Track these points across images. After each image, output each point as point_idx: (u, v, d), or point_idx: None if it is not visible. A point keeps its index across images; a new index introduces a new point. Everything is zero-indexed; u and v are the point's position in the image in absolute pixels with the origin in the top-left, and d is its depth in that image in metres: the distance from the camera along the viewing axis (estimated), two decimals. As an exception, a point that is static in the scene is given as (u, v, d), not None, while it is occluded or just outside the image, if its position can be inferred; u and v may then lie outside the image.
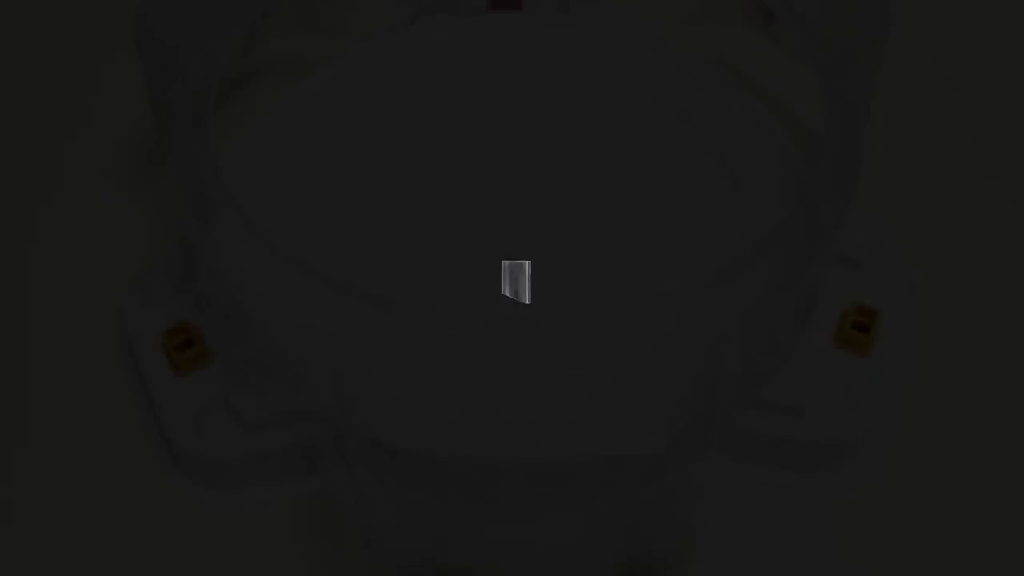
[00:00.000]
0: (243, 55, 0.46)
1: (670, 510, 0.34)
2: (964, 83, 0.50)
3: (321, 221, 0.42)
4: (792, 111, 0.47)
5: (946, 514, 0.39)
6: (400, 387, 0.35)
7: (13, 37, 0.52)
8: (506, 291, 0.40)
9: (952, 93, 0.50)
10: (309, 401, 0.37)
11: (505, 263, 0.41)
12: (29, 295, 0.44)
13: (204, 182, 0.38)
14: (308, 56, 0.47)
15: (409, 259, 0.41)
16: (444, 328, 0.34)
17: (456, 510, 0.33)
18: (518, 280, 0.40)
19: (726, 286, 0.38)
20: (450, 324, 0.34)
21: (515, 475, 0.33)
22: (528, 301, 0.40)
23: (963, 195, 0.46)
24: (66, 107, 0.50)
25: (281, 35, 0.47)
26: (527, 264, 0.41)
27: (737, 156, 0.43)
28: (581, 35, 0.48)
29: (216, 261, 0.37)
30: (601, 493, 0.33)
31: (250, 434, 0.38)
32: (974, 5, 0.53)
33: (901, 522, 0.38)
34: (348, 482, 0.38)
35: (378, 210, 0.42)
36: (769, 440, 0.38)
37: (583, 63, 0.47)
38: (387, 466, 0.33)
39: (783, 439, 0.38)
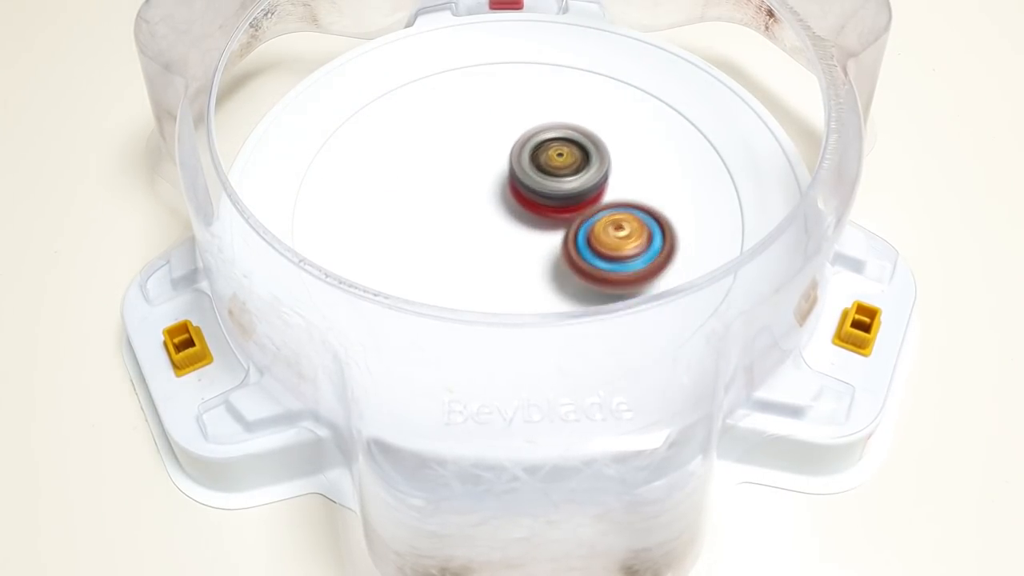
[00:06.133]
0: (243, 55, 0.46)
1: (672, 509, 0.34)
2: (964, 84, 0.50)
3: (322, 220, 0.42)
4: (792, 111, 0.47)
5: (946, 512, 0.39)
6: (401, 386, 0.35)
7: (14, 39, 0.52)
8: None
9: (952, 94, 0.50)
10: (309, 401, 0.37)
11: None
12: (31, 295, 0.44)
13: (205, 181, 0.38)
14: (308, 56, 0.47)
15: (411, 257, 0.41)
16: (446, 326, 0.34)
17: (457, 509, 0.33)
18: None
19: (727, 285, 0.38)
20: (452, 322, 0.34)
21: (517, 474, 0.33)
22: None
23: (963, 195, 0.46)
24: (68, 108, 0.50)
25: (281, 35, 0.47)
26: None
27: (737, 156, 0.43)
28: (580, 35, 0.48)
29: (218, 260, 0.37)
30: (603, 492, 0.33)
31: (250, 434, 0.38)
32: (974, 6, 0.53)
33: (902, 521, 0.38)
34: (349, 481, 0.38)
35: (380, 208, 0.42)
36: (769, 440, 0.38)
37: (583, 63, 0.47)
38: (388, 465, 0.33)
39: (783, 439, 0.38)
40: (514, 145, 0.41)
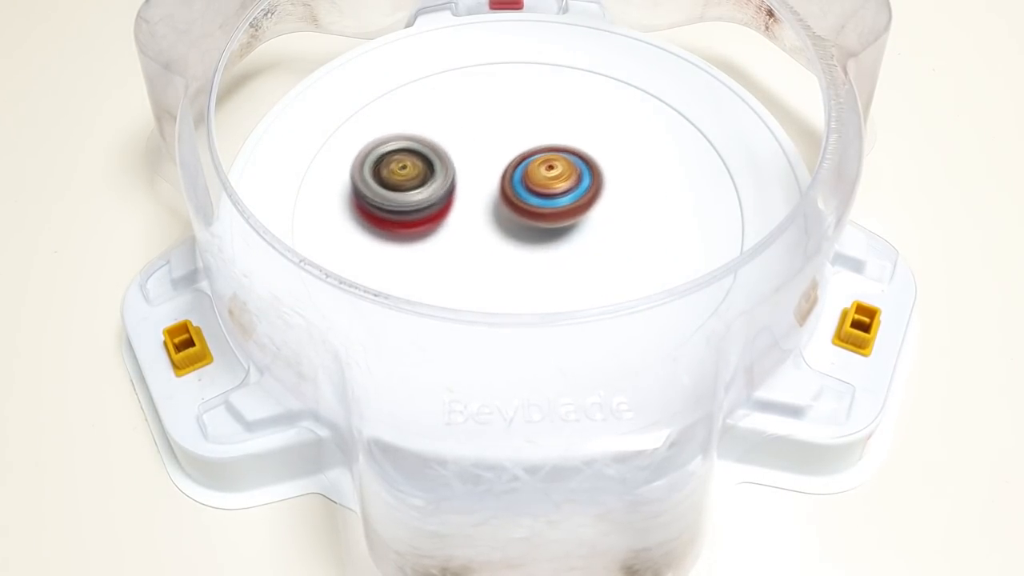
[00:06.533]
0: (243, 55, 0.46)
1: (672, 509, 0.34)
2: (964, 83, 0.50)
3: (322, 220, 0.42)
4: (792, 111, 0.47)
5: (947, 512, 0.39)
6: (401, 386, 0.35)
7: (14, 39, 0.52)
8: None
9: (952, 94, 0.50)
10: (310, 401, 0.37)
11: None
12: (31, 296, 0.44)
13: (205, 181, 0.38)
14: (308, 56, 0.47)
15: (411, 257, 0.41)
16: (446, 326, 0.34)
17: (457, 509, 0.33)
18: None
19: (727, 285, 0.38)
20: (452, 322, 0.34)
21: (517, 474, 0.33)
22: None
23: (964, 195, 0.46)
24: (68, 108, 0.50)
25: (281, 35, 0.47)
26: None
27: (737, 156, 0.43)
28: (580, 35, 0.48)
29: (218, 260, 0.37)
30: (604, 492, 0.33)
31: (250, 434, 0.38)
32: (974, 5, 0.53)
33: (902, 521, 0.38)
34: (349, 481, 0.38)
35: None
36: (769, 440, 0.38)
37: (583, 63, 0.47)
38: (388, 465, 0.33)
39: (783, 439, 0.38)
40: (354, 160, 0.41)
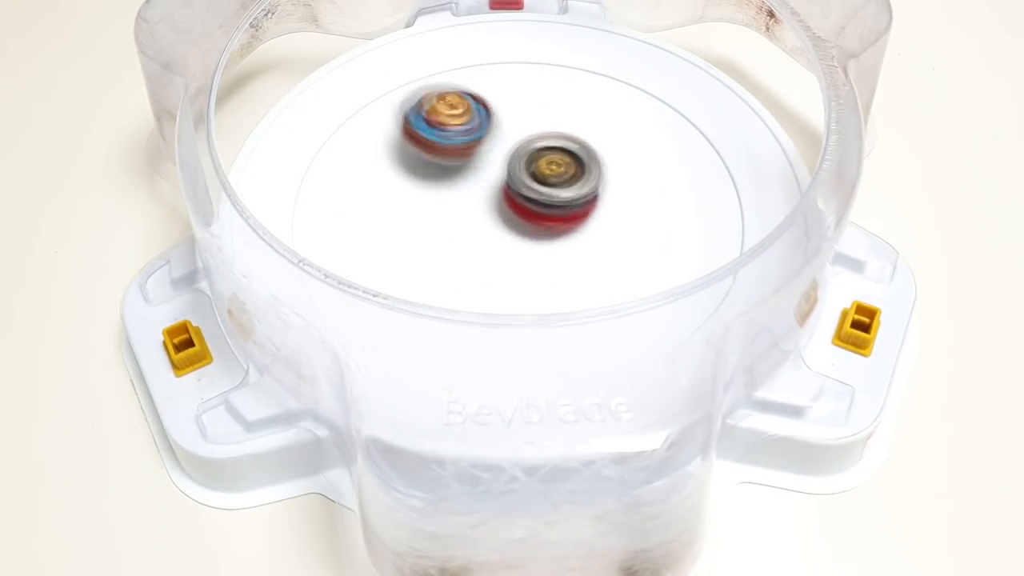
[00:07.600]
0: (243, 55, 0.46)
1: (671, 510, 0.34)
2: (964, 84, 0.50)
3: (322, 220, 0.42)
4: (792, 111, 0.47)
5: (946, 512, 0.38)
6: (400, 386, 0.35)
7: (15, 39, 0.52)
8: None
9: (952, 94, 0.50)
10: (309, 401, 0.37)
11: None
12: (31, 296, 0.44)
13: (205, 181, 0.38)
14: (308, 56, 0.47)
15: (410, 257, 0.41)
16: (445, 327, 0.34)
17: (456, 510, 0.33)
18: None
19: (726, 286, 0.38)
20: (451, 323, 0.34)
21: (516, 475, 0.33)
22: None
23: (964, 195, 0.46)
24: (69, 108, 0.50)
25: (281, 35, 0.47)
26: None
27: (737, 156, 0.43)
28: (581, 35, 0.48)
29: (217, 260, 0.37)
30: (602, 493, 0.33)
31: (250, 434, 0.38)
32: (974, 6, 0.53)
33: (901, 521, 0.38)
34: (349, 481, 0.38)
35: (379, 208, 0.42)
36: (769, 440, 0.38)
37: (583, 63, 0.47)
38: (387, 466, 0.33)
39: (783, 439, 0.38)
40: (511, 154, 0.41)
